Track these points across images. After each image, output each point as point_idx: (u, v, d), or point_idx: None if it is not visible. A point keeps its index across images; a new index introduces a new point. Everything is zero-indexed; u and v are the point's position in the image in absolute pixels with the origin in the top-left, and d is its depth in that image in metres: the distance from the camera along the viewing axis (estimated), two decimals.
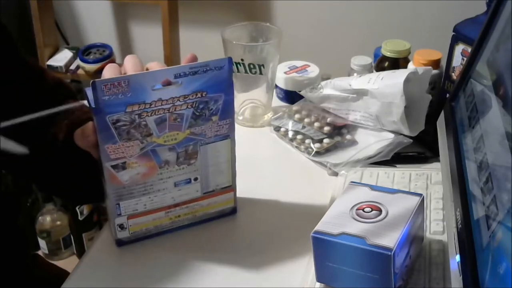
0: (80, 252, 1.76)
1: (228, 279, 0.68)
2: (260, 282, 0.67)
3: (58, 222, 1.76)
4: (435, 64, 0.91)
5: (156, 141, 0.66)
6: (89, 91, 0.61)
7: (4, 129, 0.61)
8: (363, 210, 0.62)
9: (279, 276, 0.68)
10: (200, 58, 0.65)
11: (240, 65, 0.92)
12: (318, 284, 0.64)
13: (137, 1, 1.96)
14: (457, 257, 0.54)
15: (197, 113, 0.66)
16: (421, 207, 0.64)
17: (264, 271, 0.69)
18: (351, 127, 0.92)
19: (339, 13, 1.89)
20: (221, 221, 0.76)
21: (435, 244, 0.67)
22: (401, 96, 0.83)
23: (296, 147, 0.91)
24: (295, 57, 1.06)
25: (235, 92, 0.70)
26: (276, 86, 1.02)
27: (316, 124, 0.91)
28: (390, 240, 0.58)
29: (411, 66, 0.93)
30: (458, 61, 0.87)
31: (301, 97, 0.97)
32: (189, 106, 0.65)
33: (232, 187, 0.75)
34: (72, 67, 2.02)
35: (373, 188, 0.66)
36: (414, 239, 0.63)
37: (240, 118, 0.98)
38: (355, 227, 0.60)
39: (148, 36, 2.08)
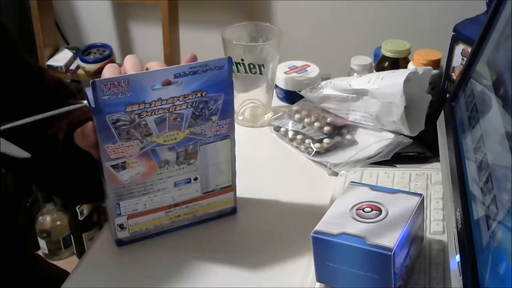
0: (80, 252, 1.76)
1: (228, 279, 0.68)
2: (260, 282, 0.67)
3: (58, 222, 1.76)
4: (435, 64, 0.91)
5: (156, 140, 0.66)
6: (89, 91, 0.61)
7: (4, 129, 0.61)
8: (363, 210, 0.62)
9: (279, 276, 0.68)
10: (200, 58, 0.65)
11: (240, 65, 0.91)
12: (318, 284, 0.64)
13: (137, 1, 1.97)
14: (457, 257, 0.54)
15: (197, 113, 0.66)
16: (421, 207, 0.64)
17: (264, 271, 0.69)
18: (351, 127, 0.92)
19: (339, 13, 1.89)
20: (221, 221, 0.76)
21: (435, 244, 0.67)
22: (401, 96, 0.83)
23: (296, 147, 0.91)
24: (295, 57, 1.06)
25: (235, 92, 0.70)
26: (276, 86, 1.02)
27: (316, 124, 0.91)
28: (390, 240, 0.58)
29: (411, 66, 0.93)
30: (458, 61, 0.87)
31: (301, 97, 0.97)
32: (189, 106, 0.65)
33: (232, 187, 0.75)
34: (72, 67, 2.02)
35: (373, 188, 0.66)
36: (414, 239, 0.63)
37: (240, 118, 0.98)
38: (355, 227, 0.60)
39: (148, 36, 2.08)
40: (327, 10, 1.89)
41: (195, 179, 0.71)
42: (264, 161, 0.91)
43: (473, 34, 0.79)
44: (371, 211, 0.62)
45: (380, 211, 0.62)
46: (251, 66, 0.91)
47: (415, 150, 0.87)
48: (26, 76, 0.78)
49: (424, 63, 0.90)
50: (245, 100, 0.97)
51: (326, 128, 0.90)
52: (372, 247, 0.57)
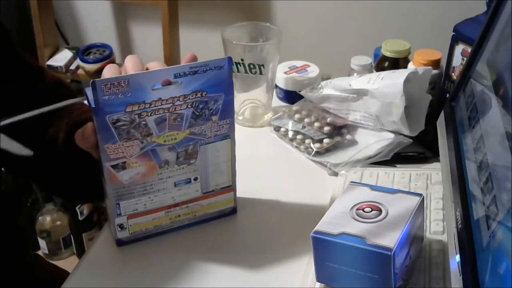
0: (80, 252, 1.76)
1: (228, 279, 0.68)
2: (260, 282, 0.67)
3: (58, 222, 1.76)
4: (435, 64, 0.91)
5: (156, 141, 0.66)
6: (89, 91, 0.61)
7: (4, 129, 0.61)
8: (363, 210, 0.62)
9: (279, 276, 0.68)
10: (200, 58, 0.65)
11: (240, 65, 0.91)
12: (318, 284, 0.64)
13: (137, 1, 1.96)
14: (457, 257, 0.54)
15: (197, 113, 0.66)
16: (421, 207, 0.64)
17: (264, 271, 0.69)
18: (351, 127, 0.92)
19: (339, 13, 1.89)
20: (221, 221, 0.76)
21: (435, 244, 0.67)
22: (401, 96, 0.83)
23: (296, 147, 0.91)
24: (295, 57, 1.06)
25: (235, 92, 0.70)
26: (276, 86, 1.02)
27: (316, 124, 0.91)
28: (390, 240, 0.58)
29: (411, 66, 0.93)
30: (458, 61, 0.87)
31: (301, 97, 0.97)
32: (189, 106, 0.65)
33: (232, 187, 0.75)
34: (72, 67, 2.02)
35: (373, 188, 0.66)
36: (414, 239, 0.63)
37: (240, 118, 0.98)
38: (355, 227, 0.60)
39: (148, 36, 2.08)
40: (327, 10, 1.89)
41: (195, 179, 0.71)
42: (264, 161, 0.91)
43: (473, 34, 0.79)
44: (371, 211, 0.62)
45: (380, 211, 0.62)
46: (251, 66, 0.91)
47: (415, 150, 0.87)
48: (26, 76, 0.78)
49: (424, 63, 0.90)
50: (245, 100, 0.97)
51: (326, 128, 0.90)
52: (372, 247, 0.57)
